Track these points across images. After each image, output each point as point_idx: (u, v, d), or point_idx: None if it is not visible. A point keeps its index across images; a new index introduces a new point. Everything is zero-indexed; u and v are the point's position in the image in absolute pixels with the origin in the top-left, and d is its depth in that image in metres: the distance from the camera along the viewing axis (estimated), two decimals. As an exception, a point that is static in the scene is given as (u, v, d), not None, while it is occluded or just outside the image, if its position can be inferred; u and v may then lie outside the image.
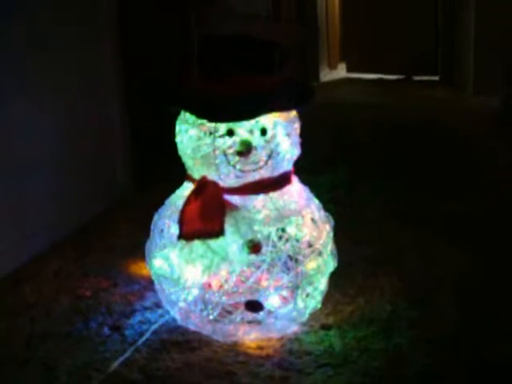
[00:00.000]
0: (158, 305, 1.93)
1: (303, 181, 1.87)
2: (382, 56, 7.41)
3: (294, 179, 1.79)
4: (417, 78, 7.27)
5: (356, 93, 6.47)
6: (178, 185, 1.83)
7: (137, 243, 1.93)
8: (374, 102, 5.77)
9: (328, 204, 1.93)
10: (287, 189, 1.74)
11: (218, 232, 1.61)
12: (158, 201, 1.86)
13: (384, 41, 7.36)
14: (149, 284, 1.98)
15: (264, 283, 1.66)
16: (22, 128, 2.31)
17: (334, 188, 3.08)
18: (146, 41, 3.10)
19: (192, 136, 1.68)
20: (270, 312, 1.70)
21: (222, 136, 1.63)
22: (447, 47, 6.68)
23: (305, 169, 1.92)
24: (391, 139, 4.19)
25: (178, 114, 1.75)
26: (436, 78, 7.03)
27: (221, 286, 1.66)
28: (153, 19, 3.17)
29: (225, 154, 1.63)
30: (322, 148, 3.76)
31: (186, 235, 1.65)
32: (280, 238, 1.67)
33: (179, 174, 1.83)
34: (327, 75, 7.67)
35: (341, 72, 8.10)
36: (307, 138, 1.80)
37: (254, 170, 1.65)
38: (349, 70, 7.93)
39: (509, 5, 4.76)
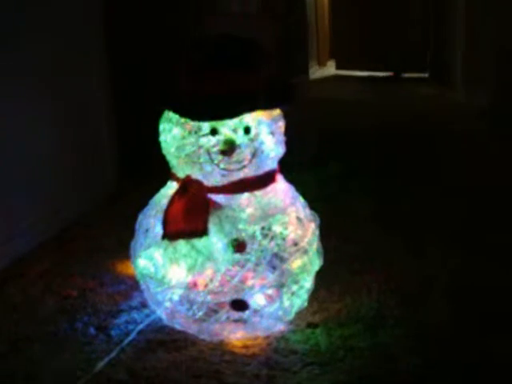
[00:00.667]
0: (144, 304, 1.92)
1: (291, 178, 1.87)
2: (371, 53, 7.42)
3: (279, 177, 1.79)
4: (406, 75, 7.28)
5: (345, 90, 6.48)
6: (163, 184, 1.82)
7: (123, 243, 1.92)
8: (362, 98, 5.78)
9: (316, 202, 1.92)
10: (272, 187, 1.73)
11: (202, 231, 1.60)
12: (144, 200, 1.85)
13: (373, 38, 7.37)
14: (135, 284, 1.96)
15: (249, 282, 1.66)
16: (7, 128, 2.30)
17: (323, 186, 3.08)
18: (134, 39, 3.09)
19: (176, 135, 1.67)
20: (255, 311, 1.69)
21: (205, 135, 1.63)
22: (437, 44, 6.70)
23: (292, 166, 1.91)
24: (379, 136, 4.20)
25: (161, 112, 1.74)
26: (425, 75, 7.04)
27: (206, 286, 1.65)
28: (141, 18, 3.16)
29: (208, 153, 1.63)
30: (310, 145, 3.76)
31: (169, 235, 1.64)
32: (265, 236, 1.66)
33: (164, 173, 1.82)
34: (316, 72, 7.67)
35: (330, 69, 8.10)
36: (295, 135, 1.80)
37: (238, 169, 1.64)
38: (338, 67, 7.93)
39: (500, 2, 4.76)
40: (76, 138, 2.75)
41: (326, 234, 1.89)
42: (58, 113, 2.61)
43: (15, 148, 2.34)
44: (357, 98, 5.88)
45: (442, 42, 6.49)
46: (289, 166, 1.85)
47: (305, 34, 7.09)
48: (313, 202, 1.87)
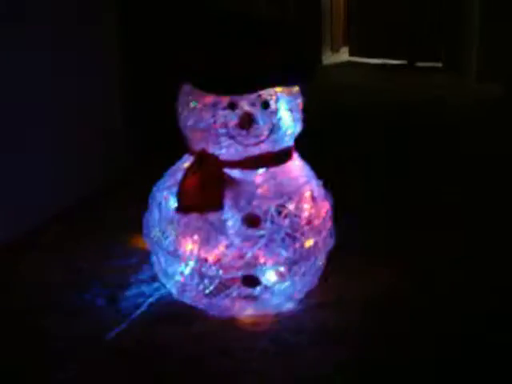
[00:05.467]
0: (154, 278, 1.92)
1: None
2: (385, 41, 7.37)
3: (295, 155, 1.78)
4: (420, 64, 7.23)
5: (357, 76, 6.44)
6: (178, 157, 1.81)
7: (135, 216, 1.92)
8: (374, 86, 5.75)
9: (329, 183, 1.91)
10: (288, 164, 1.73)
11: (217, 205, 1.60)
12: (157, 173, 1.84)
13: (387, 26, 7.31)
14: (145, 257, 1.97)
15: (261, 258, 1.65)
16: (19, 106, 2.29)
17: (332, 170, 3.06)
18: (149, 17, 3.07)
19: (193, 108, 1.66)
20: (266, 288, 1.69)
21: (223, 109, 1.62)
22: (451, 34, 6.65)
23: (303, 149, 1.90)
24: (389, 125, 4.16)
25: (176, 86, 1.73)
26: (439, 64, 6.99)
27: (218, 260, 1.65)
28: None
29: (226, 127, 1.62)
30: (320, 130, 3.74)
31: (184, 208, 1.64)
32: (279, 213, 1.66)
33: (179, 146, 1.81)
34: (329, 58, 7.63)
35: (343, 55, 8.05)
36: (306, 119, 1.79)
37: (255, 144, 1.64)
38: (351, 53, 7.88)
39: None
40: (87, 113, 2.73)
41: (339, 215, 1.89)
42: (71, 88, 2.60)
43: (28, 122, 2.34)
44: (369, 84, 5.85)
45: (457, 32, 6.44)
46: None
47: (319, 19, 7.05)
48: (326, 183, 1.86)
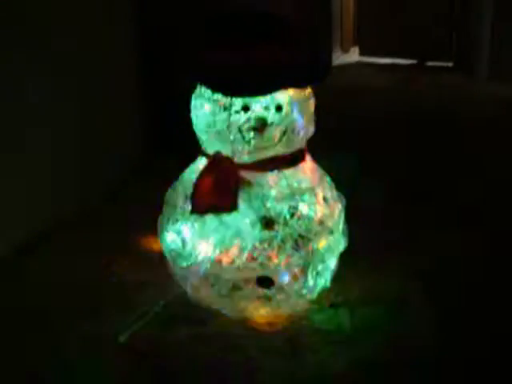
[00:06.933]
0: (169, 279, 1.94)
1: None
2: (396, 41, 7.36)
3: (308, 157, 1.79)
4: (430, 63, 7.22)
5: (368, 76, 6.43)
6: (192, 159, 1.83)
7: (149, 217, 1.93)
8: (384, 86, 5.74)
9: (340, 185, 1.92)
10: (301, 166, 1.74)
11: (232, 207, 1.62)
12: (171, 175, 1.86)
13: (398, 25, 7.30)
14: (160, 258, 1.98)
15: (275, 260, 1.67)
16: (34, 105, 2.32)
17: (343, 170, 3.06)
18: (165, 17, 3.07)
19: (207, 111, 1.68)
20: (280, 288, 1.70)
21: (237, 112, 1.63)
22: (462, 33, 6.63)
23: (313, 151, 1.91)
24: (399, 125, 4.15)
25: (193, 87, 1.75)
26: (450, 64, 6.97)
27: (232, 262, 1.67)
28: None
29: (240, 130, 1.64)
30: (330, 130, 3.73)
31: (198, 209, 1.65)
32: (292, 215, 1.67)
33: (193, 148, 1.83)
34: (339, 58, 7.62)
35: (353, 55, 8.04)
36: (317, 120, 1.80)
37: (268, 147, 1.65)
38: (362, 53, 7.88)
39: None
40: (102, 111, 2.75)
41: (351, 216, 1.90)
42: (85, 85, 2.61)
43: (42, 119, 2.36)
44: (379, 84, 5.84)
45: (468, 31, 6.42)
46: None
47: (329, 19, 7.04)
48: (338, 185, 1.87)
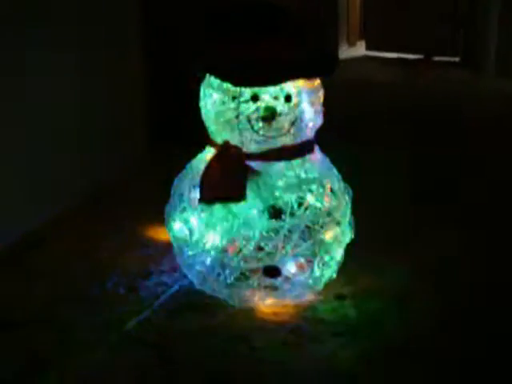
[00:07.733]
0: (175, 268, 1.94)
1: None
2: (402, 35, 7.34)
3: (316, 148, 1.79)
4: (437, 58, 7.20)
5: (374, 70, 6.42)
6: (199, 149, 1.83)
7: (155, 207, 1.94)
8: (390, 80, 5.73)
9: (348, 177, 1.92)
10: (308, 157, 1.74)
11: (240, 196, 1.62)
12: (178, 165, 1.86)
13: (405, 20, 7.28)
14: (166, 248, 1.99)
15: (282, 250, 1.67)
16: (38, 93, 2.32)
17: (349, 163, 3.05)
18: (172, 7, 3.07)
19: (216, 101, 1.68)
20: (286, 278, 1.71)
21: (246, 101, 1.63)
22: (469, 29, 6.61)
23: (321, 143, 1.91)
24: (404, 120, 4.13)
25: (203, 78, 1.74)
26: (457, 59, 6.96)
27: (239, 251, 1.67)
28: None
29: (248, 120, 1.64)
30: (336, 124, 3.72)
31: (206, 199, 1.66)
32: (300, 205, 1.67)
33: (200, 138, 1.83)
34: (346, 52, 7.61)
35: (360, 49, 8.03)
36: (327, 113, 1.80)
37: (276, 137, 1.65)
38: (368, 47, 7.86)
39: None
40: (108, 102, 2.75)
41: (358, 208, 1.90)
42: (91, 76, 2.61)
43: (47, 111, 2.37)
44: (385, 79, 5.83)
45: (475, 27, 6.40)
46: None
47: (335, 12, 7.02)
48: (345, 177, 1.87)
